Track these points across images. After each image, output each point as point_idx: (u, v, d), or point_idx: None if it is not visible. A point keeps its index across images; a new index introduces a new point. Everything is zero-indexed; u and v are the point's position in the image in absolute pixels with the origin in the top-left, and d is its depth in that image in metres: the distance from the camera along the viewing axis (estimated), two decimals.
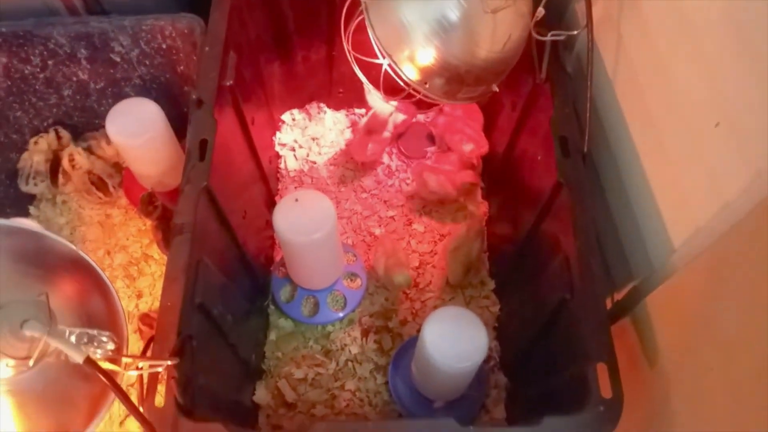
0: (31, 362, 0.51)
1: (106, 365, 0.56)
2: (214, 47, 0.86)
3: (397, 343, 1.00)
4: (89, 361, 0.49)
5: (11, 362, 0.52)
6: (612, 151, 0.84)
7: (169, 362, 0.59)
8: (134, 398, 0.64)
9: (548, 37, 0.81)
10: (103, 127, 0.98)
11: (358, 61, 0.91)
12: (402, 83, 0.88)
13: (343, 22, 0.89)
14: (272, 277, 1.05)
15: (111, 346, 0.53)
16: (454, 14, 0.77)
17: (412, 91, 0.90)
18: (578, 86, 0.84)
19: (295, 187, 1.15)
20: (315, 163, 1.17)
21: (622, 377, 0.65)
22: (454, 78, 0.82)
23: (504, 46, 0.80)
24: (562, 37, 0.81)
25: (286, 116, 1.21)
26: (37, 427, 0.58)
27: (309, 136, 1.19)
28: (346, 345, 1.00)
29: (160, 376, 0.66)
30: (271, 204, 1.09)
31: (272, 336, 1.01)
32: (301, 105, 1.21)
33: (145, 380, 0.64)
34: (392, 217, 1.11)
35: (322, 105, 1.22)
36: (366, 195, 1.14)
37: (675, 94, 0.68)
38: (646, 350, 0.74)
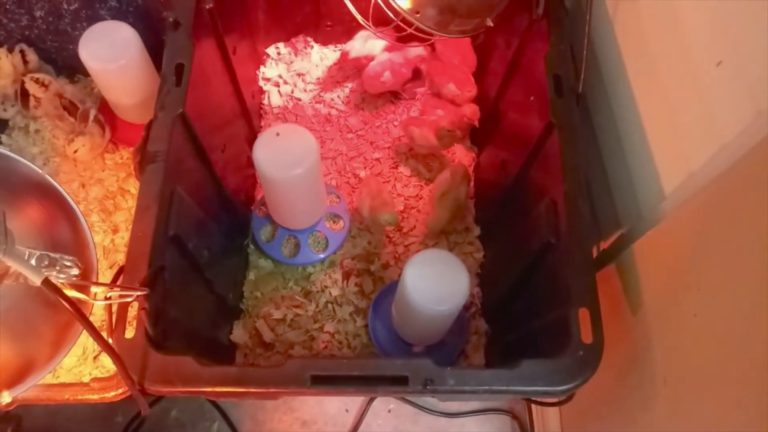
0: None
1: (73, 294, 0.53)
2: None
3: (379, 286, 0.98)
4: (47, 283, 0.46)
5: None
6: (607, 92, 0.81)
7: (140, 292, 0.57)
8: (104, 333, 0.61)
9: None
10: (76, 54, 0.94)
11: None
12: (392, 14, 0.84)
13: None
14: (253, 216, 1.02)
15: (75, 271, 0.51)
16: None
17: (401, 24, 0.86)
18: (576, 24, 0.81)
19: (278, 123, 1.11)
20: (300, 100, 1.13)
21: (604, 323, 0.64)
22: (446, 8, 0.78)
23: None
24: None
25: (271, 50, 1.16)
26: None
27: (294, 72, 1.15)
28: (326, 287, 0.98)
29: (129, 308, 0.64)
30: (252, 141, 1.04)
31: (251, 276, 0.99)
32: (286, 38, 1.16)
33: (114, 311, 0.61)
34: (378, 159, 1.08)
35: (309, 39, 1.16)
36: (352, 135, 1.11)
37: (677, 32, 0.64)
38: (630, 297, 0.73)
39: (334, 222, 1.02)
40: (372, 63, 1.06)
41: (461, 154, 1.09)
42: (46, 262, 0.49)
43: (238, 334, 0.93)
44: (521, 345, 0.83)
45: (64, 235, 0.59)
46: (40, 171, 0.63)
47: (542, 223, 0.76)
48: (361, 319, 0.96)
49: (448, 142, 1.04)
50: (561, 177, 0.71)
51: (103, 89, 0.97)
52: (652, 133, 0.71)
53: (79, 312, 0.47)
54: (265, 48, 1.16)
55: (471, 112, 1.05)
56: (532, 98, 0.83)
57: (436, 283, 0.78)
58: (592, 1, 0.75)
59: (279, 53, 1.16)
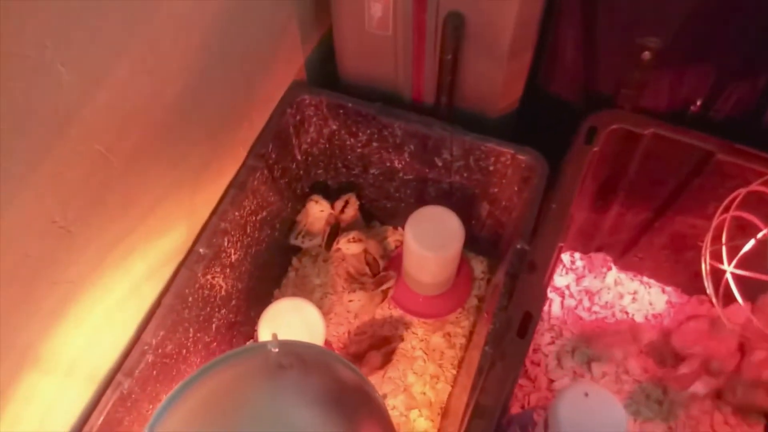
0: None
1: None
2: (560, 206, 0.79)
3: None
4: None
5: None
6: None
7: None
8: None
9: None
10: (385, 208, 0.98)
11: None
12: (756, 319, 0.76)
13: (708, 237, 0.77)
14: None
15: None
16: None
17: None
18: None
19: (552, 337, 1.05)
20: (581, 319, 1.06)
21: None
22: None
23: None
24: None
25: (566, 256, 1.12)
26: None
27: (583, 287, 1.09)
28: None
29: None
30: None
31: None
32: (585, 251, 1.11)
33: None
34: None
35: (608, 259, 1.10)
36: (630, 377, 1.01)
37: None
38: None
39: None
40: (689, 323, 0.97)
41: None
42: None
43: None
44: None
45: None
46: (377, 394, 0.62)
47: None
48: None
49: None
50: None
51: (409, 263, 0.98)
52: None
53: None
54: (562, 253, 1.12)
55: None
56: None
57: None
58: None
59: (573, 263, 1.11)
